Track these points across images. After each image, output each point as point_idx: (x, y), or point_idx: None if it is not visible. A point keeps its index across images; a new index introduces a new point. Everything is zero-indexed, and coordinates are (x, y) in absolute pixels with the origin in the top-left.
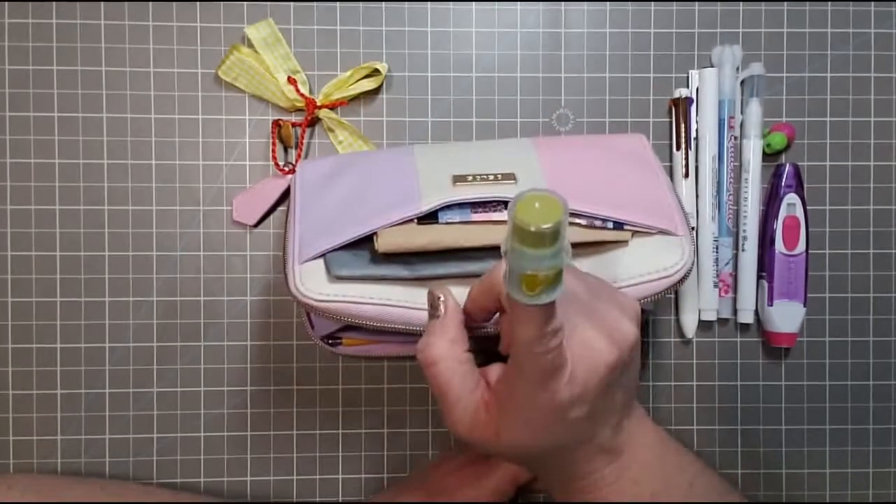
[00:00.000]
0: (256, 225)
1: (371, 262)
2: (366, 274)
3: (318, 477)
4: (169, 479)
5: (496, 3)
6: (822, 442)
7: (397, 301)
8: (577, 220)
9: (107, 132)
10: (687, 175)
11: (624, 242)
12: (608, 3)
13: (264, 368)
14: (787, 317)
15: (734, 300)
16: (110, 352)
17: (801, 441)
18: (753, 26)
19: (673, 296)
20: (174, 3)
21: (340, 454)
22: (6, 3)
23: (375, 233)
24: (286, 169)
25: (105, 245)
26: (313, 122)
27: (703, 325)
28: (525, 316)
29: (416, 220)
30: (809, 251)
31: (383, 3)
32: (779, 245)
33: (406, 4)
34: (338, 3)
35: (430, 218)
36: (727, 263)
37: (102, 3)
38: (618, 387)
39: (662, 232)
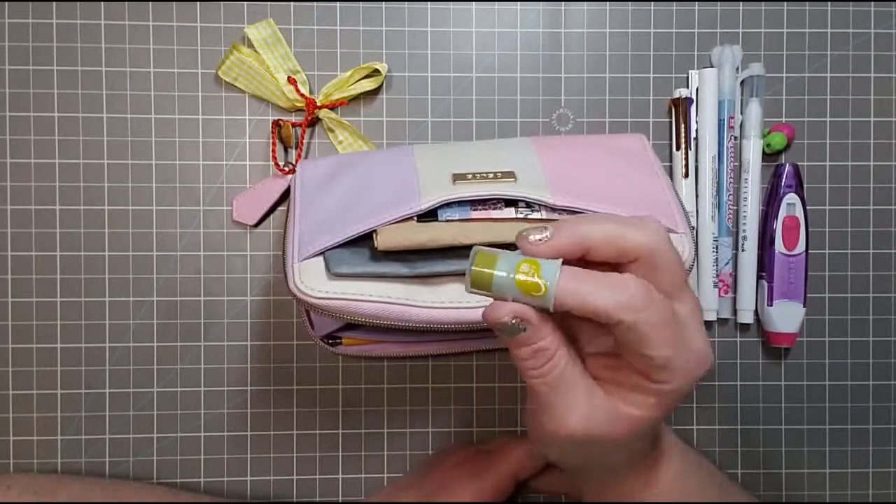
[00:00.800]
0: (256, 225)
1: (371, 260)
2: (365, 271)
3: (317, 477)
4: (169, 479)
5: (496, 3)
6: (821, 442)
7: (397, 299)
8: None
9: (107, 132)
10: (687, 175)
11: None
12: (608, 3)
13: (264, 368)
14: (786, 317)
15: (734, 300)
16: (110, 352)
17: (801, 441)
18: (753, 26)
19: None
20: (174, 3)
21: (340, 454)
22: (6, 3)
23: (375, 230)
24: (286, 169)
25: (105, 245)
26: (313, 122)
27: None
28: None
29: (415, 218)
30: (809, 251)
31: (383, 3)
32: (778, 245)
33: (406, 4)
34: (338, 3)
35: (429, 216)
36: (727, 263)
37: (102, 3)
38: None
39: None
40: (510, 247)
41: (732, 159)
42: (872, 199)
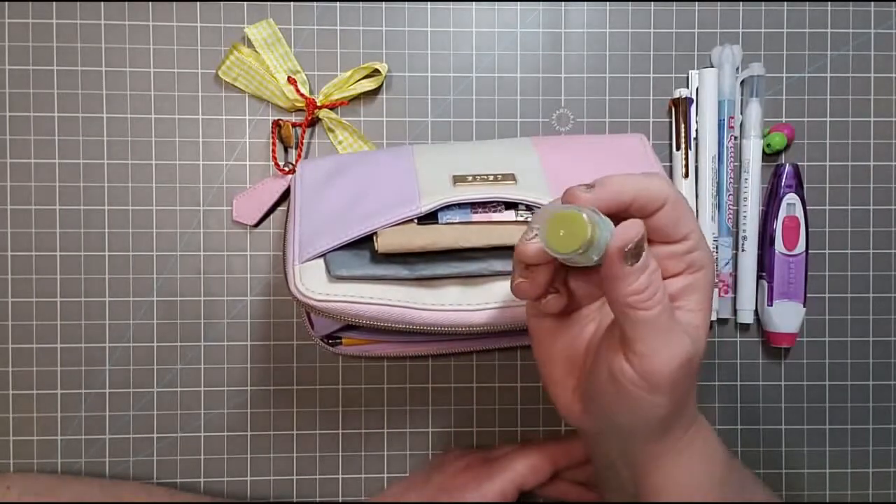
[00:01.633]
0: (257, 225)
1: (371, 262)
2: (366, 274)
3: (317, 477)
4: (169, 479)
5: (496, 3)
6: (821, 442)
7: (397, 301)
8: None
9: (107, 132)
10: (687, 175)
11: None
12: (608, 3)
13: (264, 368)
14: (786, 317)
15: (734, 300)
16: (110, 352)
17: (801, 441)
18: (753, 26)
19: None
20: (174, 3)
21: (340, 454)
22: (6, 3)
23: (375, 233)
24: (286, 169)
25: (105, 245)
26: (313, 122)
27: None
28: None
29: (416, 221)
30: (809, 251)
31: (383, 3)
32: (778, 245)
33: (406, 4)
34: (338, 3)
35: (430, 218)
36: (727, 263)
37: (102, 3)
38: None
39: None
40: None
41: (732, 159)
42: (872, 199)
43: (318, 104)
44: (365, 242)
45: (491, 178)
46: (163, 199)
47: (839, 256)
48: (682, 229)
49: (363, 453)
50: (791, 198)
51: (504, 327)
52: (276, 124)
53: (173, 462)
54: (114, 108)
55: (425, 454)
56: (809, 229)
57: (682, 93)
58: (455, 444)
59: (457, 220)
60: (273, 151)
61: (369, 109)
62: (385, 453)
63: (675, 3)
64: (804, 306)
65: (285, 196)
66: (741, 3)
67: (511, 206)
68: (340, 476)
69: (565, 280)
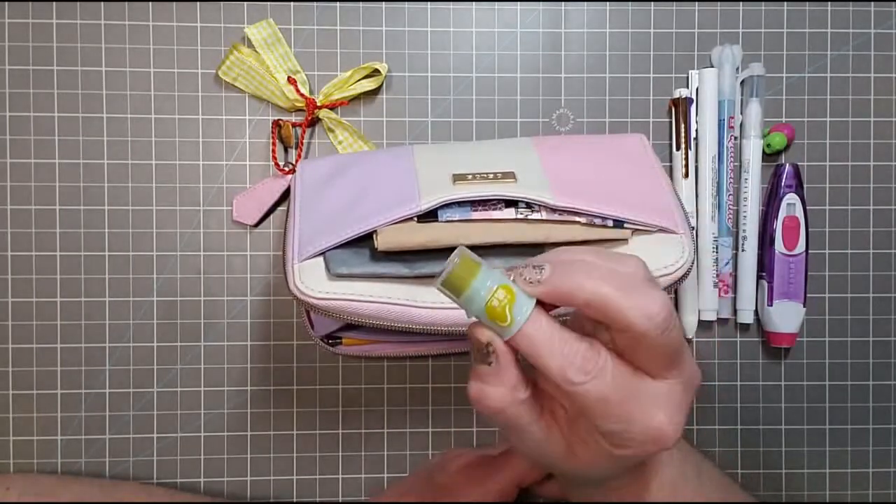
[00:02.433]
0: (257, 225)
1: (371, 260)
2: (366, 272)
3: (317, 477)
4: (169, 480)
5: (496, 3)
6: (821, 442)
7: (397, 299)
8: (577, 219)
9: (107, 132)
10: (687, 175)
11: (624, 240)
12: (608, 3)
13: (264, 368)
14: (786, 317)
15: (734, 300)
16: (110, 352)
17: (801, 441)
18: (753, 26)
19: (673, 296)
20: (174, 3)
21: (340, 454)
22: (6, 3)
23: (375, 231)
24: (286, 169)
25: (105, 245)
26: (313, 122)
27: (703, 326)
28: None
29: (416, 219)
30: (809, 251)
31: (383, 3)
32: (778, 245)
33: (406, 4)
34: (338, 3)
35: (430, 216)
36: (727, 263)
37: (102, 3)
38: None
39: (662, 230)
40: (510, 248)
41: (732, 159)
42: (872, 199)
43: (318, 104)
44: (364, 241)
45: (491, 176)
46: (163, 199)
47: (839, 256)
48: (661, 369)
49: (363, 453)
50: (791, 198)
51: None
52: (276, 124)
53: (173, 462)
54: (114, 108)
55: (425, 454)
56: (809, 229)
57: (682, 93)
58: (455, 445)
59: (457, 218)
60: (273, 151)
61: (369, 109)
62: (385, 453)
63: (675, 3)
64: (804, 306)
65: (285, 196)
66: (741, 3)
67: (511, 203)
68: (340, 476)
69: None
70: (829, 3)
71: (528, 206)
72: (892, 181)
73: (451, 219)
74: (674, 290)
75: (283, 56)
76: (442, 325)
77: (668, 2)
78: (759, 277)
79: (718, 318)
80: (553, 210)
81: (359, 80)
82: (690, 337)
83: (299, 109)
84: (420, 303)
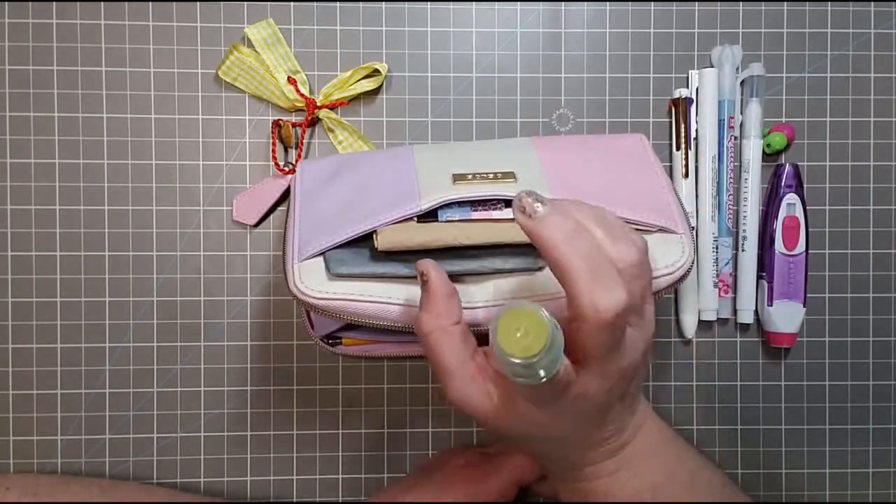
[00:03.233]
0: (257, 225)
1: (371, 260)
2: (365, 272)
3: (317, 477)
4: (169, 479)
5: (496, 3)
6: (821, 442)
7: (397, 299)
8: None
9: (107, 132)
10: (687, 175)
11: None
12: (608, 3)
13: (264, 368)
14: (786, 317)
15: (734, 300)
16: (110, 352)
17: (801, 441)
18: (753, 26)
19: (673, 296)
20: (174, 4)
21: (340, 454)
22: (6, 3)
23: (375, 231)
24: (286, 169)
25: (105, 245)
26: (313, 122)
27: (703, 326)
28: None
29: (416, 219)
30: (809, 251)
31: (383, 3)
32: (778, 245)
33: (406, 4)
34: (338, 4)
35: (430, 216)
36: (727, 263)
37: (102, 3)
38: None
39: (662, 230)
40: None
41: (732, 159)
42: (872, 199)
43: (318, 104)
44: (364, 241)
45: (491, 176)
46: (163, 199)
47: (839, 256)
48: (588, 360)
49: (363, 453)
50: (791, 198)
51: None
52: (276, 124)
53: (173, 462)
54: (114, 109)
55: (425, 454)
56: (809, 229)
57: (682, 93)
58: (455, 445)
59: (457, 218)
60: (273, 151)
61: (369, 109)
62: (385, 453)
63: (675, 3)
64: (804, 306)
65: (285, 196)
66: (741, 3)
67: (511, 203)
68: (340, 476)
69: None
70: (829, 3)
71: None
72: (891, 181)
73: (451, 219)
74: (674, 290)
75: (284, 56)
76: None
77: (668, 2)
78: (759, 277)
79: (718, 318)
80: None
81: (359, 80)
82: (690, 337)
83: (299, 109)
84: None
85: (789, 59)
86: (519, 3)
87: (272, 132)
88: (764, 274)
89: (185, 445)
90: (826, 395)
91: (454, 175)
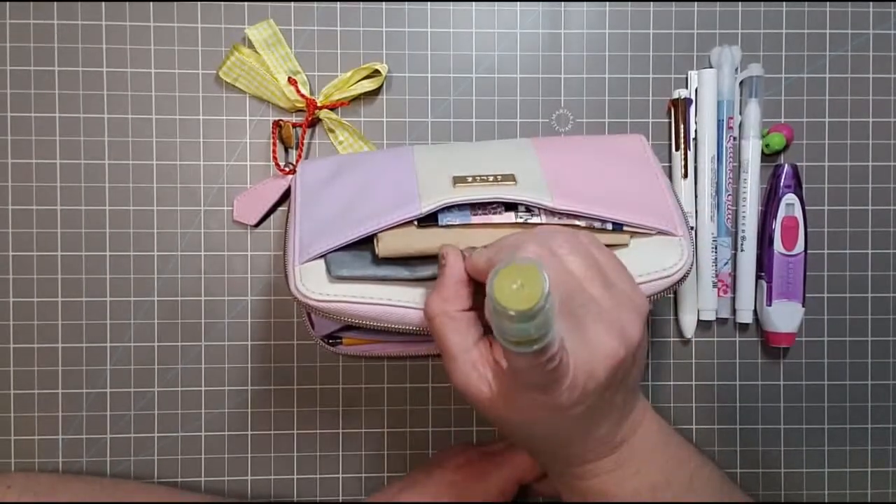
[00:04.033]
0: (257, 225)
1: (371, 263)
2: (366, 274)
3: (318, 476)
4: (170, 479)
5: (496, 3)
6: (820, 441)
7: (398, 301)
8: (577, 222)
9: (108, 133)
10: (686, 175)
11: (624, 245)
12: (608, 3)
13: (265, 368)
14: (785, 317)
15: (733, 300)
16: (111, 351)
17: (800, 440)
18: (752, 27)
19: (672, 296)
20: (175, 4)
21: (340, 454)
22: (7, 4)
23: (376, 236)
24: (287, 169)
25: (106, 245)
26: (314, 122)
27: (702, 325)
28: (513, 356)
29: (416, 223)
30: (808, 251)
31: (383, 3)
32: (777, 245)
33: (406, 5)
34: (338, 4)
35: (430, 220)
36: (726, 263)
37: (104, 4)
38: (620, 387)
39: (661, 232)
40: None
41: (731, 160)
42: (871, 199)
43: (319, 105)
44: (365, 243)
45: (491, 178)
46: (164, 200)
47: (838, 256)
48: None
49: (363, 453)
50: (790, 198)
51: None
52: (277, 125)
53: (174, 461)
54: (115, 109)
55: (425, 454)
56: (808, 229)
57: (681, 93)
58: (455, 444)
59: (457, 223)
60: (273, 152)
61: (369, 110)
62: (385, 453)
63: (674, 3)
64: (803, 306)
65: (286, 196)
66: (740, 3)
67: (511, 207)
68: (340, 476)
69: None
70: (828, 3)
71: (528, 209)
72: (890, 181)
73: (451, 223)
74: (673, 291)
75: (284, 57)
76: None
77: (667, 2)
78: (758, 277)
79: (717, 318)
80: (552, 213)
81: (359, 80)
82: (690, 337)
83: (300, 110)
84: (420, 305)
85: (788, 60)
86: (519, 3)
87: (273, 133)
88: (763, 274)
89: (186, 445)
90: (825, 395)
91: (454, 177)
